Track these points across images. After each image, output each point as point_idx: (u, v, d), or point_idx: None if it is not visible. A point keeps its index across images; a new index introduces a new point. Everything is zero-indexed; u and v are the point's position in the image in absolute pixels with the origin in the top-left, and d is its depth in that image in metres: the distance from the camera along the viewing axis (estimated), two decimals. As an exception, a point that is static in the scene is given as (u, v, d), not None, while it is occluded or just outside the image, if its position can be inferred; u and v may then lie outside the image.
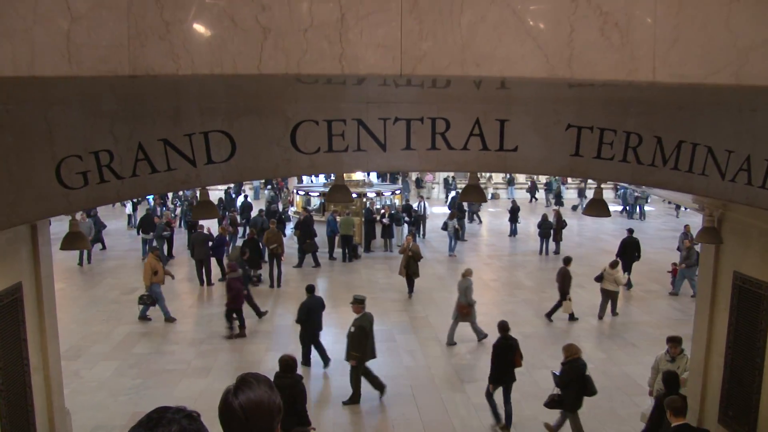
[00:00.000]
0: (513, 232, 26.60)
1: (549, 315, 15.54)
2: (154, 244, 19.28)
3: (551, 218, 23.38)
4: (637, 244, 18.55)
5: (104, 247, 22.57)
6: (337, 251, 21.75)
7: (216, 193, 31.04)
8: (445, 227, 22.94)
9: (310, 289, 12.44)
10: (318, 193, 24.83)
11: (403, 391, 11.20)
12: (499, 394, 10.20)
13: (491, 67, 3.00)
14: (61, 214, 4.62)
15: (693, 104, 4.55)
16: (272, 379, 8.34)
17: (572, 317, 15.50)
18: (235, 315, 13.82)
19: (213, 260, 18.31)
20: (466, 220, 26.93)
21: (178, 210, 28.40)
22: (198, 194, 6.70)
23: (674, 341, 9.26)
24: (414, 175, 39.56)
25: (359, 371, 10.70)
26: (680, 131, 4.68)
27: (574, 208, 33.02)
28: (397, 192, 26.55)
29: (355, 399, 10.73)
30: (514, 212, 26.74)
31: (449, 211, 25.07)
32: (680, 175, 4.70)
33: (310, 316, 11.97)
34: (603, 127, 4.63)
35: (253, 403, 2.38)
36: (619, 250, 18.54)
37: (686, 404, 6.57)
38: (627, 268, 18.12)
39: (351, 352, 10.55)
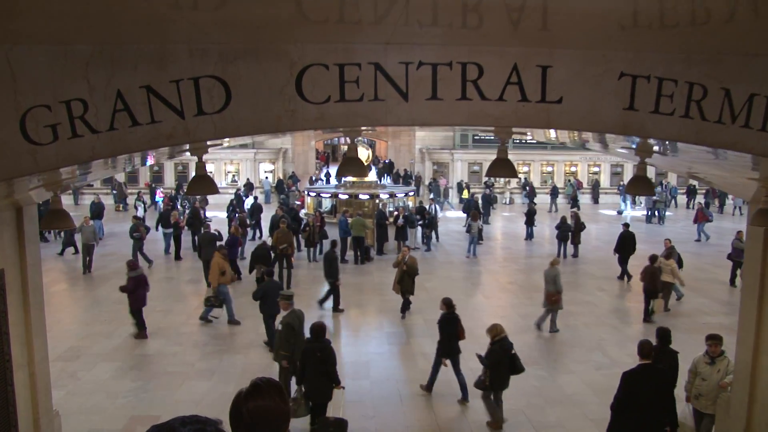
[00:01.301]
0: (529, 236, 25.87)
1: (646, 317, 14.76)
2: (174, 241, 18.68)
3: (569, 221, 22.69)
4: (633, 238, 19.06)
5: (77, 252, 21.16)
6: (349, 254, 21.09)
7: (226, 197, 30.72)
8: (468, 229, 22.22)
9: (269, 273, 13.27)
10: (329, 195, 24.24)
11: (417, 396, 10.50)
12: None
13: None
14: (26, 175, 3.98)
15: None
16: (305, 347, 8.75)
17: (650, 316, 14.76)
18: (135, 315, 13.31)
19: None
20: (480, 222, 26.17)
21: (187, 211, 27.86)
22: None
23: (714, 339, 8.49)
24: (427, 179, 39.01)
25: (289, 373, 9.80)
26: (753, 82, 3.99)
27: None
28: (411, 194, 25.87)
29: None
30: (530, 215, 26.03)
31: (465, 214, 24.44)
32: (753, 135, 4.00)
33: (265, 299, 12.52)
34: (661, 76, 3.94)
35: (262, 410, 2.44)
36: (617, 244, 19.16)
37: (652, 348, 7.66)
38: (624, 261, 18.94)
39: (279, 351, 9.80)
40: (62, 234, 21.10)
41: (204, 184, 5.03)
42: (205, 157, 5.12)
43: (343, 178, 26.62)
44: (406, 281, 14.87)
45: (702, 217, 26.03)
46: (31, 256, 6.94)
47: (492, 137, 38.78)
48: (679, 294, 16.19)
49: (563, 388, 10.84)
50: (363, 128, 4.64)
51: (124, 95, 3.85)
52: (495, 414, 9.47)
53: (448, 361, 10.54)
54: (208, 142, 5.13)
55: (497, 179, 39.26)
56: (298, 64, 3.88)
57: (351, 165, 5.12)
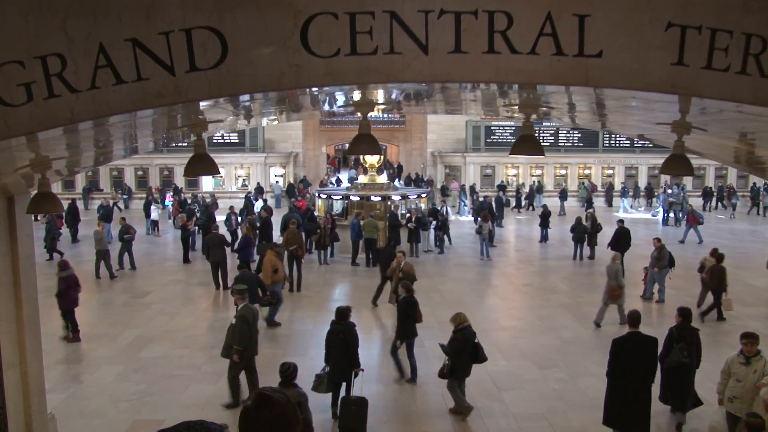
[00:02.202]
0: (544, 238, 25.29)
1: (720, 316, 14.27)
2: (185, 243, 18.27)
3: (585, 221, 22.14)
4: (629, 234, 19.30)
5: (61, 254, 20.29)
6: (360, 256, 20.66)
7: (236, 202, 30.42)
8: (479, 230, 21.67)
9: (247, 264, 15.37)
10: (341, 197, 23.82)
11: (433, 400, 10.00)
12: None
13: None
14: (-3, 141, 3.55)
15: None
16: (328, 328, 9.05)
17: (721, 315, 14.25)
18: (66, 317, 12.89)
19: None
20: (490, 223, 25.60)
21: (198, 214, 27.56)
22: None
23: (750, 338, 7.94)
24: (439, 183, 38.55)
25: (239, 368, 9.59)
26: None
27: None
28: (423, 196, 25.39)
29: (236, 402, 9.54)
30: (545, 217, 25.46)
31: (476, 217, 23.94)
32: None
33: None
34: (715, 27, 3.47)
35: (277, 419, 2.39)
36: (612, 239, 19.23)
37: (639, 318, 8.44)
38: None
39: (233, 346, 9.51)
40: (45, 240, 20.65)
41: (203, 164, 4.60)
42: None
43: (355, 180, 26.27)
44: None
45: (692, 220, 25.19)
46: (24, 247, 6.55)
47: (505, 139, 38.45)
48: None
49: (585, 392, 10.31)
50: (375, 93, 4.20)
51: (106, 49, 3.41)
52: (461, 403, 9.32)
53: (400, 342, 10.86)
54: (208, 119, 4.70)
55: (510, 182, 38.81)
56: (303, 12, 3.43)
57: (363, 142, 4.67)
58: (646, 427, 8.08)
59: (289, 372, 7.43)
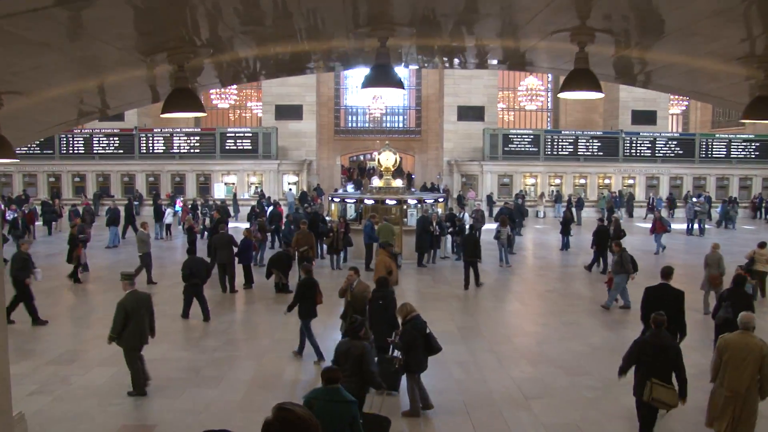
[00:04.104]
0: (565, 246, 24.29)
1: None
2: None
3: (610, 227, 21.10)
4: (608, 233, 19.48)
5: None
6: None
7: (244, 208, 29.75)
8: (497, 236, 20.69)
9: (190, 251, 14.97)
10: (354, 200, 22.99)
11: (455, 407, 9.07)
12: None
13: None
14: None
15: None
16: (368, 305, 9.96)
17: None
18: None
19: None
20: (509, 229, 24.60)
21: (207, 220, 26.99)
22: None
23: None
24: (456, 192, 37.67)
25: (129, 357, 9.22)
26: None
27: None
28: (440, 200, 24.50)
29: (139, 390, 9.19)
30: (566, 224, 24.48)
31: (496, 222, 22.97)
32: None
33: (192, 272, 13.66)
34: None
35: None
36: (593, 240, 19.77)
37: (671, 272, 9.99)
38: (602, 255, 19.50)
39: (111, 334, 9.20)
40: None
41: (184, 101, 3.79)
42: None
43: (371, 184, 25.40)
44: (352, 317, 9.70)
45: (660, 228, 23.77)
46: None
47: (523, 148, 37.54)
48: None
49: (620, 400, 9.31)
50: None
51: None
52: (414, 403, 8.66)
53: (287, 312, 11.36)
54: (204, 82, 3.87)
55: (528, 192, 37.85)
56: None
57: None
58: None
59: (356, 325, 7.64)
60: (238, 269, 16.78)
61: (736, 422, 6.93)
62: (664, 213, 36.50)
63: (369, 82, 3.87)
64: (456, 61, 5.95)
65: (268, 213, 25.65)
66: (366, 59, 5.03)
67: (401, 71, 45.32)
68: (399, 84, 3.99)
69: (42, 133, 9.28)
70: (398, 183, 23.86)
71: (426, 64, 5.96)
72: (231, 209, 31.20)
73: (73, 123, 7.21)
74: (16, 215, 25.09)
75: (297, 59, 5.30)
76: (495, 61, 5.78)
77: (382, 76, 3.76)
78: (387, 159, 23.19)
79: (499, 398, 9.37)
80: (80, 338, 12.32)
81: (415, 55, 5.21)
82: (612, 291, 14.74)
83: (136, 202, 34.74)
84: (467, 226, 21.42)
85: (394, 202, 21.82)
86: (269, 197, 33.45)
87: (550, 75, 45.86)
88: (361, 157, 53.31)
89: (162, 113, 4.10)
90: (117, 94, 5.99)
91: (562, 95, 4.00)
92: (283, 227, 21.95)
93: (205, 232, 22.82)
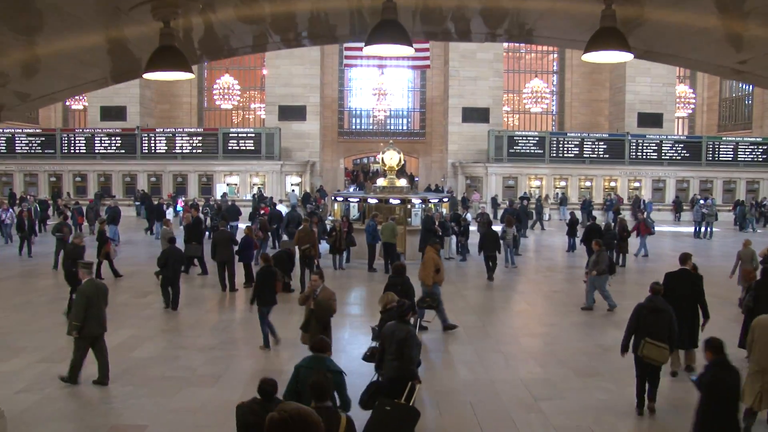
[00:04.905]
0: (571, 247, 23.83)
1: None
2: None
3: (613, 228, 20.72)
4: (600, 230, 19.41)
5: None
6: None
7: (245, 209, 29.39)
8: (503, 236, 20.26)
9: (172, 240, 14.69)
10: (358, 200, 22.61)
11: (461, 409, 8.68)
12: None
13: None
14: None
15: None
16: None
17: None
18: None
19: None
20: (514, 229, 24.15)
21: (209, 221, 26.60)
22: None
23: None
24: (460, 194, 37.24)
25: (78, 345, 9.01)
26: None
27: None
28: (445, 200, 24.10)
29: (73, 379, 9.07)
30: (572, 225, 24.06)
31: (501, 223, 22.57)
32: None
33: (168, 263, 13.72)
34: None
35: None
36: (583, 236, 19.86)
37: (689, 256, 10.49)
38: (591, 254, 18.36)
39: (72, 323, 8.99)
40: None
41: (169, 59, 3.42)
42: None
43: (374, 184, 25.03)
44: (314, 326, 9.05)
45: (644, 230, 22.85)
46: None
47: (528, 150, 37.16)
48: None
49: (635, 403, 8.93)
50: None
51: None
52: None
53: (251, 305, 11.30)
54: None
55: (533, 194, 37.36)
56: None
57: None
58: (695, 342, 9.85)
59: (404, 308, 7.71)
60: (239, 268, 16.39)
61: (764, 396, 7.29)
62: (670, 216, 36.36)
63: (374, 39, 3.50)
64: (463, 29, 5.54)
65: (268, 212, 25.29)
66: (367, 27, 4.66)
67: (405, 73, 44.99)
68: (407, 41, 3.61)
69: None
70: (402, 182, 23.46)
71: (433, 35, 5.59)
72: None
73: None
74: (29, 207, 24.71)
75: (291, 24, 4.90)
76: (503, 30, 5.37)
77: (389, 32, 3.39)
78: (391, 158, 22.80)
79: (508, 400, 8.97)
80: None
81: (421, 26, 4.83)
82: (589, 292, 14.46)
83: (137, 203, 34.52)
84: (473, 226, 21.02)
85: (398, 201, 21.44)
86: (270, 197, 33.13)
87: (555, 77, 45.55)
88: (365, 160, 52.97)
89: (144, 73, 3.73)
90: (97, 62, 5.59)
91: (586, 57, 3.63)
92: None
93: (206, 232, 22.40)
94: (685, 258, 10.43)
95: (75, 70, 5.43)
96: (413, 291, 10.43)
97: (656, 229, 25.06)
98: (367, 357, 8.36)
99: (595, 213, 33.41)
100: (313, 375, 5.23)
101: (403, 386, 6.93)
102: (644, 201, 35.99)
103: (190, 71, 3.75)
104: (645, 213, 27.24)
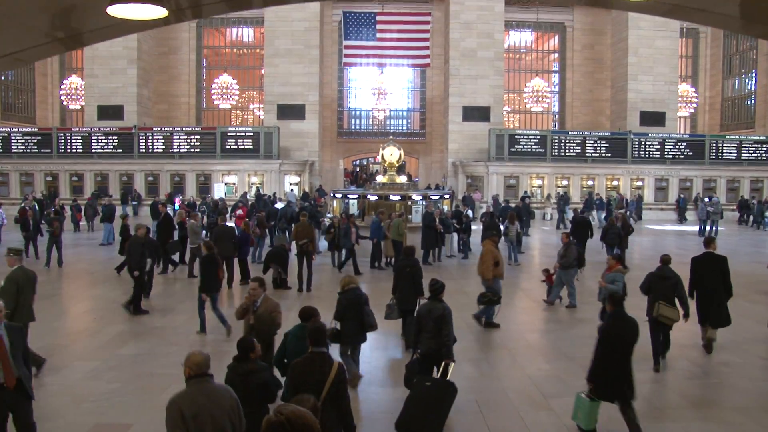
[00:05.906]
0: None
1: None
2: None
3: (617, 223, 20.22)
4: (589, 223, 19.79)
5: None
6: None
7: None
8: (506, 233, 19.81)
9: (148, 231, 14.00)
10: (357, 196, 22.19)
11: (467, 407, 8.20)
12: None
13: None
14: None
15: None
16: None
17: None
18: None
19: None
20: (518, 226, 23.65)
21: (205, 219, 26.18)
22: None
23: None
24: (461, 194, 36.77)
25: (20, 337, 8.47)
26: None
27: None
28: (446, 197, 23.67)
29: None
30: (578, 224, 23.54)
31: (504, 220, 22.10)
32: None
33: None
34: None
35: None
36: (571, 228, 19.89)
37: (713, 240, 11.19)
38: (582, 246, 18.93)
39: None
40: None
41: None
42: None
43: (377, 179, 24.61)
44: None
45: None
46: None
47: (530, 148, 36.75)
48: None
49: (650, 400, 8.56)
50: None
51: None
52: (350, 370, 8.39)
53: (205, 296, 11.12)
54: None
55: (534, 193, 36.89)
56: None
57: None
58: (727, 320, 10.44)
59: (437, 287, 8.01)
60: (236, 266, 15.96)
61: None
62: (670, 215, 35.89)
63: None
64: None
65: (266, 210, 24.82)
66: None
67: (405, 73, 44.47)
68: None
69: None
70: (403, 179, 23.05)
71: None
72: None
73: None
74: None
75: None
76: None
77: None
78: (391, 154, 22.42)
79: (516, 397, 8.52)
80: (62, 332, 11.48)
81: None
82: (555, 287, 14.13)
83: (134, 202, 34.12)
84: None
85: (398, 198, 21.01)
86: (269, 195, 32.72)
87: (556, 76, 45.13)
88: (365, 162, 52.59)
89: (109, 5, 3.29)
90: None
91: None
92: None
93: (204, 230, 21.97)
94: (709, 241, 11.02)
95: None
96: (421, 273, 10.77)
97: (659, 228, 24.55)
98: (330, 338, 8.00)
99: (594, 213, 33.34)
100: (297, 342, 6.03)
101: (438, 363, 7.39)
102: (627, 200, 35.54)
103: (163, 5, 3.31)
104: (628, 211, 26.84)
